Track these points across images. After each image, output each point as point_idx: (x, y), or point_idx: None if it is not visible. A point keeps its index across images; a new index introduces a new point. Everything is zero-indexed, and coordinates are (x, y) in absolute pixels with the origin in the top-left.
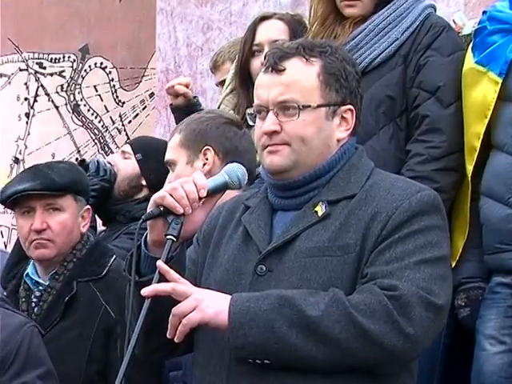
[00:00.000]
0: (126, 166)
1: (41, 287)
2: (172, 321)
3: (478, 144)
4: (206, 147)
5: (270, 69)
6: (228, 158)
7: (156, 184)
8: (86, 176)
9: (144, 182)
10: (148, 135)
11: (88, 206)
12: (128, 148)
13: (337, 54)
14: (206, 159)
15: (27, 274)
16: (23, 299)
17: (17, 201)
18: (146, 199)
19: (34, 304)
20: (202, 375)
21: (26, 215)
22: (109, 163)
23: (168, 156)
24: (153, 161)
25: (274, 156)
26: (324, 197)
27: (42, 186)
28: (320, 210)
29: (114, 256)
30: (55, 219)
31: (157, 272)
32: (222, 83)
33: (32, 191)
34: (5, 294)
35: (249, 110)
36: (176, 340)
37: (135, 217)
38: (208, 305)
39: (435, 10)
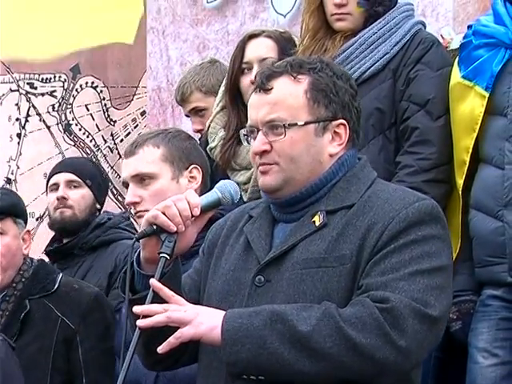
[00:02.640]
0: (82, 196)
1: None
2: (159, 318)
3: (467, 158)
4: (193, 166)
5: (259, 89)
6: (205, 178)
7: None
8: (22, 200)
9: (99, 206)
10: (71, 157)
11: (28, 229)
12: (73, 176)
13: (327, 69)
14: (191, 177)
15: None
16: None
17: None
18: (96, 227)
19: None
20: None
21: None
22: (63, 198)
23: (146, 169)
24: (98, 180)
25: (265, 176)
26: (323, 207)
27: None
28: (318, 219)
29: (61, 273)
30: None
31: (150, 290)
32: (191, 111)
33: None
34: None
35: (243, 131)
36: (159, 351)
37: (93, 246)
38: (201, 321)
39: (425, 27)
